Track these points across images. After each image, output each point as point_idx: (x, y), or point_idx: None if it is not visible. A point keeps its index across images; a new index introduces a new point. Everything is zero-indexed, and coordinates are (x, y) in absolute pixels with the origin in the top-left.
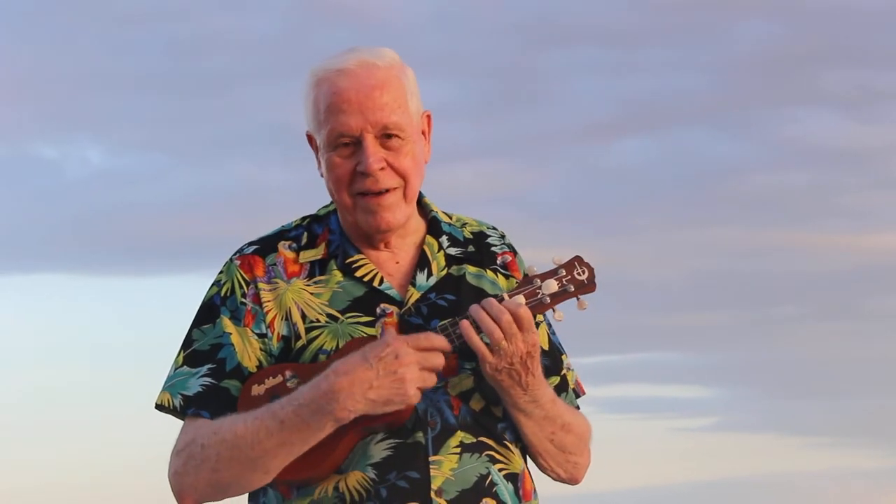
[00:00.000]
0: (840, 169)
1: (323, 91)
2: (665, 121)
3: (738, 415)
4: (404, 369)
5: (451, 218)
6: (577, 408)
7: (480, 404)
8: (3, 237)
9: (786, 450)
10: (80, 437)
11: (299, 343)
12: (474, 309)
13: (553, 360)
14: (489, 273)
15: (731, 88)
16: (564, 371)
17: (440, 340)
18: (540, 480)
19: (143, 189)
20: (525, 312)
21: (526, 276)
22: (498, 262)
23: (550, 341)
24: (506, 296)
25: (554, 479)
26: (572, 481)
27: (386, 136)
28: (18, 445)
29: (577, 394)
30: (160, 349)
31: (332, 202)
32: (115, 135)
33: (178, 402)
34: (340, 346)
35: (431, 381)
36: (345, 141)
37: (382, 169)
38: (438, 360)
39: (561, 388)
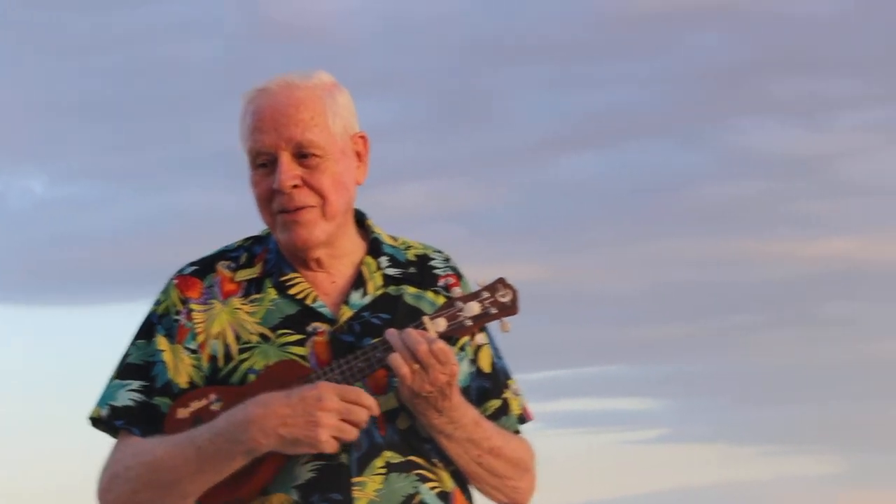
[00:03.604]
0: (790, 177)
1: (247, 111)
2: (615, 134)
3: (688, 425)
4: (322, 414)
5: (395, 240)
6: (518, 432)
7: (408, 423)
8: None
9: (737, 459)
10: (13, 467)
11: (230, 364)
12: (392, 336)
13: (494, 383)
14: (430, 294)
15: (681, 100)
16: (507, 395)
17: (369, 399)
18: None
19: (87, 218)
20: (441, 346)
21: (449, 298)
22: (440, 283)
23: (494, 365)
24: (426, 319)
25: (495, 502)
26: None
27: (302, 155)
28: None
29: (523, 419)
30: (104, 380)
31: None
32: (59, 164)
33: (105, 411)
34: (268, 366)
35: (350, 434)
36: (262, 160)
37: (297, 187)
38: (361, 416)
39: (501, 412)
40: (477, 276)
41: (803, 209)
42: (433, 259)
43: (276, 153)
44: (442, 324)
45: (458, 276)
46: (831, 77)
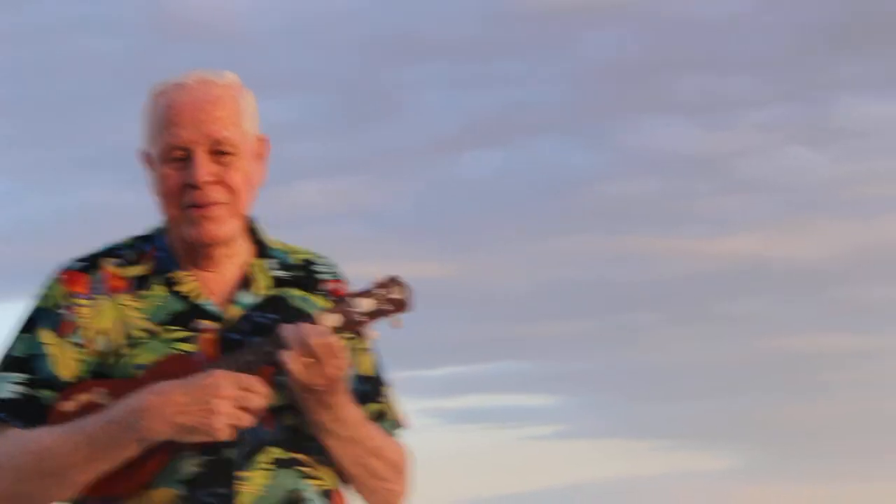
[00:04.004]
0: (691, 175)
1: (160, 105)
2: (517, 132)
3: (587, 421)
4: (218, 402)
5: (281, 244)
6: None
7: (294, 420)
8: None
9: (633, 454)
10: None
11: (117, 358)
12: (285, 330)
13: (374, 387)
14: (314, 298)
15: (583, 98)
16: (386, 400)
17: (265, 388)
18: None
19: None
20: (334, 339)
21: (342, 294)
22: (325, 288)
23: (374, 369)
24: (320, 314)
25: None
26: None
27: (218, 152)
28: None
29: (399, 425)
30: None
31: (162, 223)
32: None
33: None
34: (157, 361)
35: (246, 421)
36: (177, 154)
37: (211, 182)
38: (257, 403)
39: (380, 416)
40: (378, 273)
41: (703, 207)
42: (317, 264)
43: (192, 148)
44: (335, 319)
45: (343, 281)
46: (730, 76)
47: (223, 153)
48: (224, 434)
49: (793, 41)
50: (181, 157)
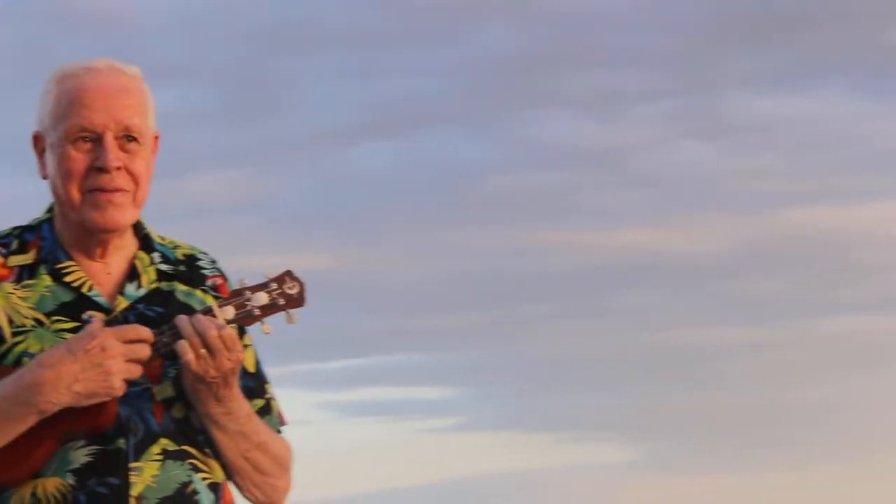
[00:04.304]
0: (583, 169)
1: (67, 87)
2: (409, 124)
3: (485, 413)
4: (110, 362)
5: (164, 239)
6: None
7: (183, 412)
8: None
9: (531, 446)
10: None
11: (3, 346)
12: (182, 321)
13: (258, 383)
14: (199, 293)
15: (477, 90)
16: (269, 396)
17: (145, 331)
18: None
19: None
20: (230, 332)
21: (237, 288)
22: (208, 283)
23: (257, 365)
24: (215, 307)
25: (251, 500)
26: None
27: (126, 139)
28: None
29: (281, 422)
30: None
31: (45, 213)
32: None
33: None
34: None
35: (137, 371)
36: (85, 135)
37: (119, 168)
38: (144, 352)
39: (263, 412)
40: (272, 265)
41: (595, 200)
42: (201, 259)
43: (102, 132)
44: (230, 311)
45: (224, 277)
46: (622, 70)
47: (130, 141)
48: (122, 390)
49: (683, 36)
50: (89, 139)
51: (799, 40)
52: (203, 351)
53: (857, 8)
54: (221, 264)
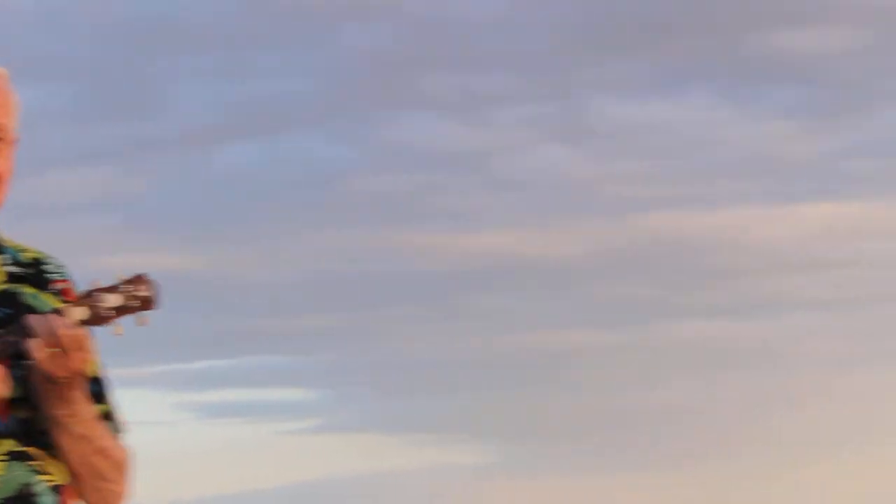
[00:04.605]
0: (445, 171)
1: None
2: (274, 125)
3: (344, 415)
4: None
5: (11, 241)
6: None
7: (28, 413)
8: None
9: (389, 448)
10: None
11: None
12: (34, 320)
13: (100, 388)
14: (45, 296)
15: (341, 92)
16: (110, 401)
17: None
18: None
19: None
20: (81, 331)
21: (89, 289)
22: (54, 287)
23: (99, 370)
24: (67, 307)
25: None
26: None
27: None
28: None
29: (121, 428)
30: None
31: None
32: None
33: None
34: None
35: None
36: None
37: None
38: None
39: (106, 417)
40: (130, 264)
41: (457, 203)
42: (47, 263)
43: None
44: (82, 312)
45: (71, 281)
46: (488, 74)
47: (0, 138)
48: None
49: (548, 42)
50: None
51: (660, 47)
52: (54, 350)
53: (718, 17)
54: (70, 268)
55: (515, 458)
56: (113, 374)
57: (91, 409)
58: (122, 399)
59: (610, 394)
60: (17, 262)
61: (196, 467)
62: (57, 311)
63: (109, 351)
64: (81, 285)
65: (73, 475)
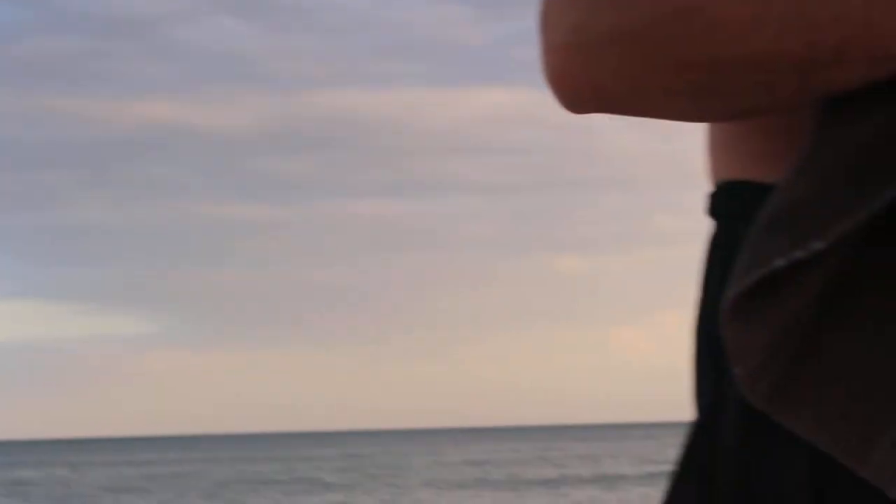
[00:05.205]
0: (113, 36)
1: None
2: None
3: (5, 282)
4: None
5: None
6: None
7: None
8: None
9: (50, 315)
10: None
11: None
12: None
13: None
14: None
15: None
16: None
17: None
18: None
19: None
20: None
21: None
22: None
23: None
24: None
25: None
26: None
27: None
28: None
29: None
30: None
31: None
32: None
33: None
34: None
35: None
36: None
37: None
38: None
39: None
40: None
41: (123, 70)
42: None
43: None
44: None
45: None
46: None
47: None
48: None
49: None
50: None
51: None
52: None
53: None
54: None
55: (177, 329)
56: None
57: None
58: None
59: (273, 270)
60: None
61: None
62: None
63: None
64: None
65: None
